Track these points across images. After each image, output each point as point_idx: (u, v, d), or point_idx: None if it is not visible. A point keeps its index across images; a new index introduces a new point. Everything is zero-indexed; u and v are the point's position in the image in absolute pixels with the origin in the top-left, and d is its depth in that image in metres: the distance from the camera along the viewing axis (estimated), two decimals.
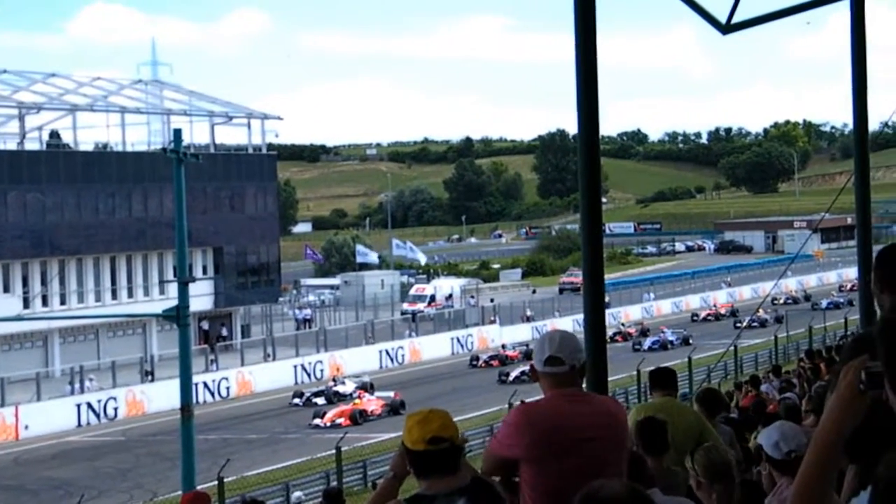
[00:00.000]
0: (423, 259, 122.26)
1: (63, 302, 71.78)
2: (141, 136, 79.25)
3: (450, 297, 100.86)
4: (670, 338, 73.66)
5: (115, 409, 59.31)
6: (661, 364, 13.22)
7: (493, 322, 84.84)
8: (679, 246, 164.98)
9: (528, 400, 6.17)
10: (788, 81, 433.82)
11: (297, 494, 34.78)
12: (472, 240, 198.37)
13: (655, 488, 6.77)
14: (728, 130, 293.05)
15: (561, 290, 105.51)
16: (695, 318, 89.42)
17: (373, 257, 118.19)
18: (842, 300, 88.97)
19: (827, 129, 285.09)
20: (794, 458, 7.07)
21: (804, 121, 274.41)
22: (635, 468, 6.32)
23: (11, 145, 72.69)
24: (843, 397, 3.32)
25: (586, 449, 5.75)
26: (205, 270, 77.39)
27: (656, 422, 8.15)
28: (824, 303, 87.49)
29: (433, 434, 5.36)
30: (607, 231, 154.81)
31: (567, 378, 5.96)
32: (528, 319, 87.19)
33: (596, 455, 5.73)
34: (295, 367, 68.27)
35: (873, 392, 3.20)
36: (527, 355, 69.59)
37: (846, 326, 55.37)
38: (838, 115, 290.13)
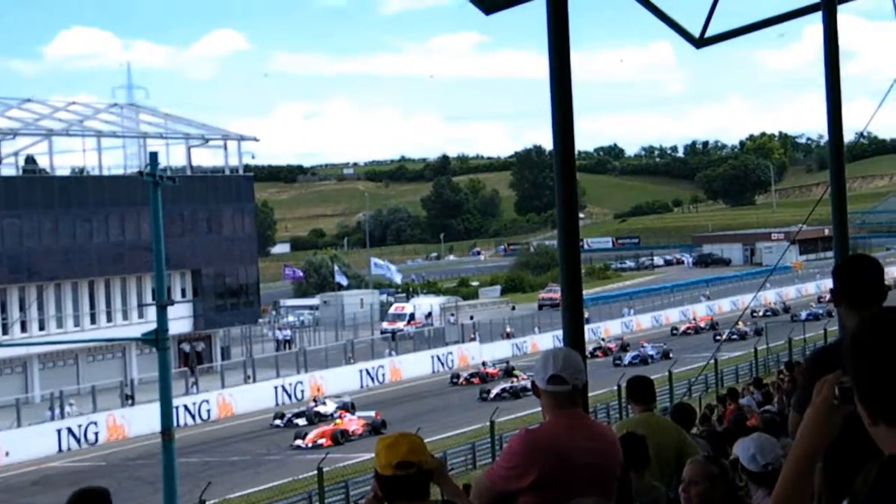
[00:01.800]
0: (397, 278, 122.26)
1: (42, 327, 71.56)
2: (117, 160, 79.21)
3: (429, 315, 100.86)
4: (650, 352, 73.75)
5: (96, 433, 59.07)
6: None
7: (473, 339, 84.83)
8: (657, 260, 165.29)
9: (529, 427, 6.10)
10: (764, 94, 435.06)
11: None
12: (451, 257, 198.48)
13: None
14: (704, 144, 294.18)
15: (540, 307, 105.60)
16: (674, 331, 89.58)
17: (342, 279, 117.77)
18: (821, 311, 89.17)
19: (803, 140, 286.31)
20: (770, 471, 7.08)
21: (780, 133, 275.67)
22: (620, 483, 6.31)
23: None
24: (819, 411, 3.33)
25: (587, 477, 5.71)
26: (183, 293, 77.24)
27: (636, 437, 8.16)
28: (803, 314, 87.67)
29: (400, 459, 5.36)
30: (585, 246, 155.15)
31: (569, 398, 5.93)
32: (509, 336, 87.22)
33: (594, 483, 5.70)
34: (275, 388, 68.14)
35: (848, 407, 3.22)
36: (507, 372, 69.63)
37: (826, 337, 55.47)
38: (814, 127, 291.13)
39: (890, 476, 2.82)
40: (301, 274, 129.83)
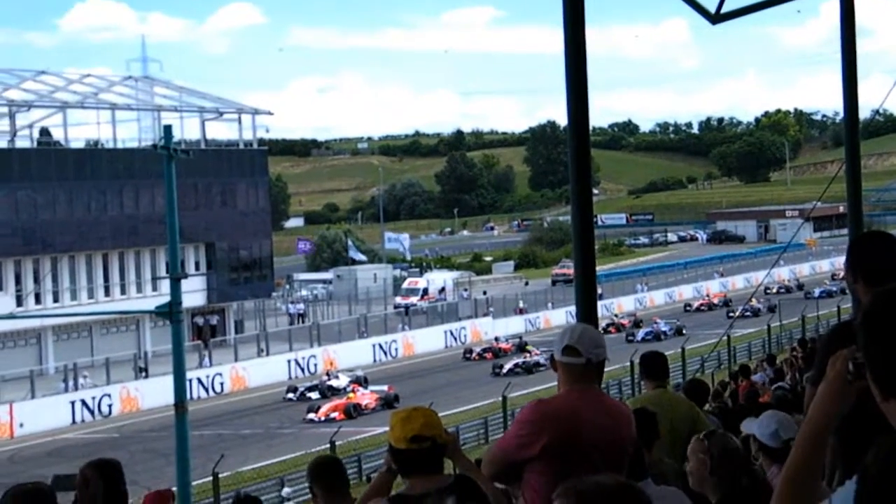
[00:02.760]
0: (407, 251, 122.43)
1: (56, 299, 71.72)
2: (131, 133, 79.18)
3: (442, 290, 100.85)
4: (663, 328, 73.74)
5: (110, 405, 59.28)
6: None
7: (486, 315, 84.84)
8: (671, 236, 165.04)
9: (543, 398, 6.10)
10: (779, 70, 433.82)
11: (286, 490, 34.81)
12: (465, 232, 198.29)
13: (648, 478, 6.78)
14: (719, 120, 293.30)
15: (553, 282, 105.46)
16: (688, 308, 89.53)
17: (361, 257, 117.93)
18: (834, 289, 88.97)
19: (818, 117, 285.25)
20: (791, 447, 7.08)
21: (795, 109, 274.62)
22: (633, 456, 6.31)
23: (2, 143, 72.64)
24: (832, 386, 3.34)
25: (599, 451, 5.70)
26: (197, 266, 77.32)
27: (646, 412, 8.16)
28: (817, 291, 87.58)
29: (415, 433, 5.38)
30: (599, 222, 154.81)
31: (584, 372, 5.90)
32: (521, 312, 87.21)
33: (606, 458, 5.69)
34: (288, 361, 68.24)
35: (861, 382, 3.23)
36: (520, 348, 69.67)
37: (839, 315, 55.29)
38: (829, 104, 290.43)
39: None
40: (311, 247, 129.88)
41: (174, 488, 25.46)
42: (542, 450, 5.67)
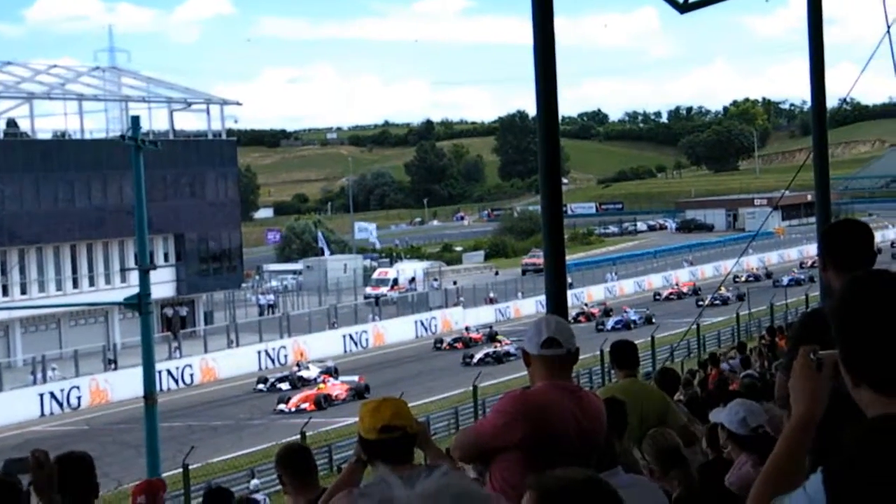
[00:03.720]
0: (375, 240, 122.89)
1: (24, 291, 71.38)
2: (99, 124, 78.96)
3: (413, 280, 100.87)
4: (633, 317, 73.88)
5: (79, 398, 59.05)
6: None
7: (456, 304, 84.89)
8: (641, 225, 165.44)
9: (524, 388, 6.08)
10: (748, 60, 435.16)
11: (254, 482, 34.75)
12: (435, 222, 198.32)
13: (618, 467, 6.77)
14: (688, 109, 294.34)
15: (524, 272, 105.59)
16: (657, 297, 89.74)
17: (323, 244, 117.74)
18: (803, 277, 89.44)
19: (786, 106, 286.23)
20: (759, 434, 7.09)
21: (763, 98, 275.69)
22: (604, 445, 6.30)
23: None
24: (801, 380, 3.36)
25: (572, 445, 5.70)
26: (166, 258, 77.12)
27: (616, 402, 8.16)
28: (785, 279, 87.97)
29: (385, 423, 5.38)
30: (569, 211, 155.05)
31: (562, 363, 5.91)
32: (492, 301, 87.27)
33: (579, 451, 5.69)
34: (259, 352, 68.13)
35: (827, 374, 3.27)
36: (490, 337, 69.72)
37: (807, 303, 55.63)
38: (797, 93, 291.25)
39: (873, 437, 2.83)
40: (280, 237, 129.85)
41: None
42: (518, 441, 5.66)
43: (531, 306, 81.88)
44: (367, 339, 74.83)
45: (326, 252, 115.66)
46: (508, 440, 5.71)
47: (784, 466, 3.34)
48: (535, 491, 3.12)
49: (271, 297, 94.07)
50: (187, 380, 63.72)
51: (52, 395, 58.29)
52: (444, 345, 70.99)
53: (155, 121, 77.93)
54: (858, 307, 2.94)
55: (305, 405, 52.52)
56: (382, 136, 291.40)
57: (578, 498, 3.06)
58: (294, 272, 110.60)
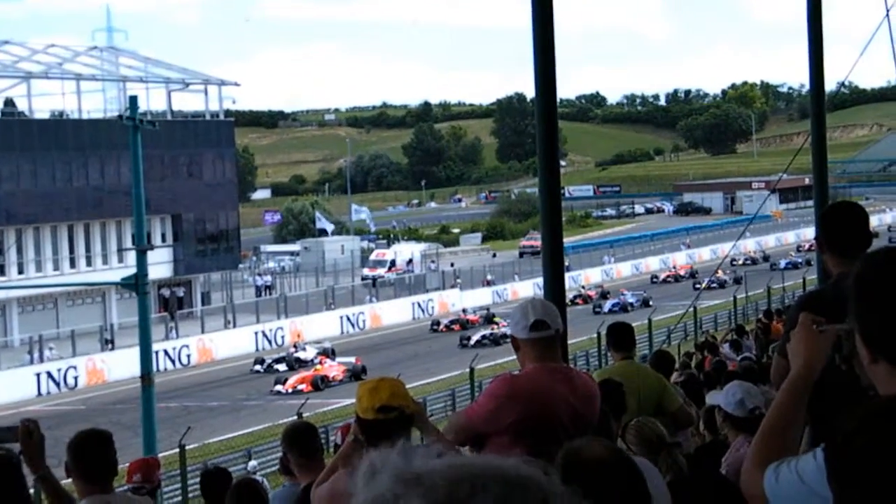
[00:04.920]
0: (371, 223, 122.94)
1: (21, 271, 71.37)
2: (97, 104, 78.81)
3: (410, 262, 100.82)
4: (630, 300, 73.88)
5: (76, 378, 59.06)
6: None
7: (453, 286, 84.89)
8: (638, 208, 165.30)
9: (512, 371, 6.09)
10: (746, 43, 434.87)
11: (252, 463, 34.78)
12: (432, 204, 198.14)
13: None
14: (686, 92, 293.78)
15: (521, 254, 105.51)
16: (654, 279, 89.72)
17: (327, 225, 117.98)
18: (800, 260, 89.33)
19: (784, 89, 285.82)
20: (757, 416, 7.10)
21: (762, 82, 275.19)
22: (601, 424, 6.32)
23: None
24: (803, 336, 3.39)
25: (565, 427, 5.71)
26: (163, 238, 77.04)
27: (613, 384, 8.17)
28: (783, 263, 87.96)
29: (382, 403, 5.37)
30: (566, 194, 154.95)
31: (551, 344, 5.91)
32: (489, 283, 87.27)
33: (572, 433, 5.69)
34: (255, 333, 68.13)
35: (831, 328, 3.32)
36: (487, 319, 69.73)
37: (804, 286, 55.63)
38: (795, 76, 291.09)
39: (880, 418, 2.84)
40: (279, 216, 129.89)
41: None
42: (510, 425, 5.68)
43: (528, 289, 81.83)
44: (364, 321, 74.84)
45: (330, 231, 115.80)
46: (500, 424, 5.72)
47: (780, 422, 3.37)
48: (559, 464, 3.15)
49: (268, 278, 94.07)
50: (184, 360, 63.72)
51: (49, 374, 58.29)
52: (441, 327, 70.99)
53: (152, 101, 77.98)
54: (880, 280, 2.97)
55: (302, 386, 52.53)
56: (380, 118, 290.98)
57: (602, 469, 3.08)
58: (291, 253, 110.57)
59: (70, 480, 6.97)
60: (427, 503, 1.76)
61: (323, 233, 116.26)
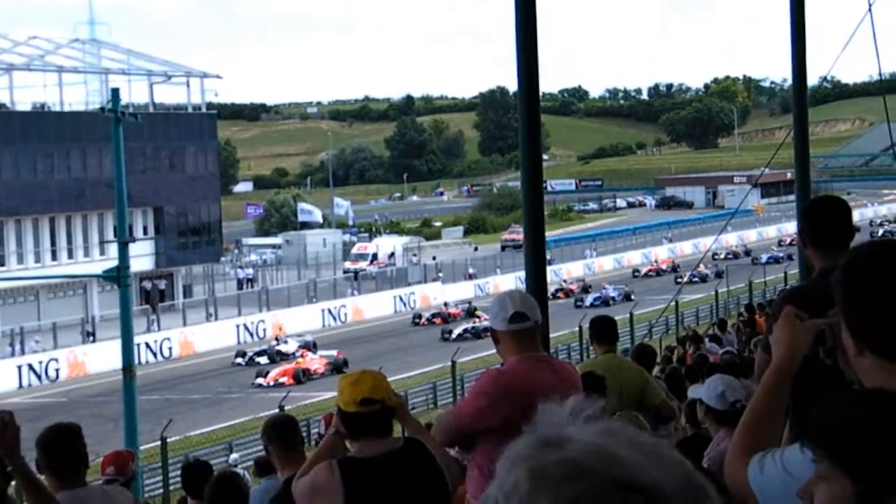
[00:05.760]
0: (350, 219, 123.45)
1: (2, 263, 71.21)
2: (79, 96, 78.50)
3: (392, 255, 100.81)
4: (612, 294, 73.91)
5: (57, 370, 58.96)
6: None
7: (435, 280, 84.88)
8: (620, 202, 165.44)
9: (496, 367, 6.09)
10: (729, 37, 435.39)
11: (234, 456, 34.77)
12: (414, 198, 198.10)
13: None
14: (668, 86, 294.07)
15: (503, 248, 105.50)
16: (636, 273, 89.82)
17: (317, 216, 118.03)
18: (781, 254, 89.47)
19: (766, 84, 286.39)
20: (738, 409, 7.11)
21: (744, 76, 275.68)
22: None
23: None
24: (786, 326, 3.40)
25: None
26: (145, 231, 76.93)
27: (596, 377, 8.19)
28: (764, 257, 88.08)
29: (364, 395, 5.38)
30: (549, 188, 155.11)
31: (531, 335, 5.92)
32: (471, 277, 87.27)
33: None
34: (237, 326, 68.06)
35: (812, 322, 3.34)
36: (469, 313, 69.71)
37: (786, 280, 55.71)
38: (777, 71, 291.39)
39: (863, 410, 2.85)
40: (262, 209, 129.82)
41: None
42: (501, 421, 5.67)
43: (510, 282, 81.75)
44: (345, 314, 74.81)
45: (319, 218, 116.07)
46: (491, 421, 5.72)
47: (762, 412, 3.38)
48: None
49: (250, 270, 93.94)
50: (166, 353, 63.63)
51: (31, 367, 58.20)
52: (423, 320, 71.01)
53: (135, 93, 77.69)
54: (869, 272, 2.98)
55: (284, 379, 52.49)
56: (363, 111, 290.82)
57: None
58: (273, 246, 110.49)
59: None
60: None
61: (305, 226, 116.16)
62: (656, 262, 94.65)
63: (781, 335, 3.46)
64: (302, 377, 52.86)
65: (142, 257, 70.22)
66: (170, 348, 64.10)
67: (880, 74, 28.56)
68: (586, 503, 1.52)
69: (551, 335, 13.37)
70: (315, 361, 55.47)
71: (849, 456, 2.51)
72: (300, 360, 55.65)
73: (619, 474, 1.53)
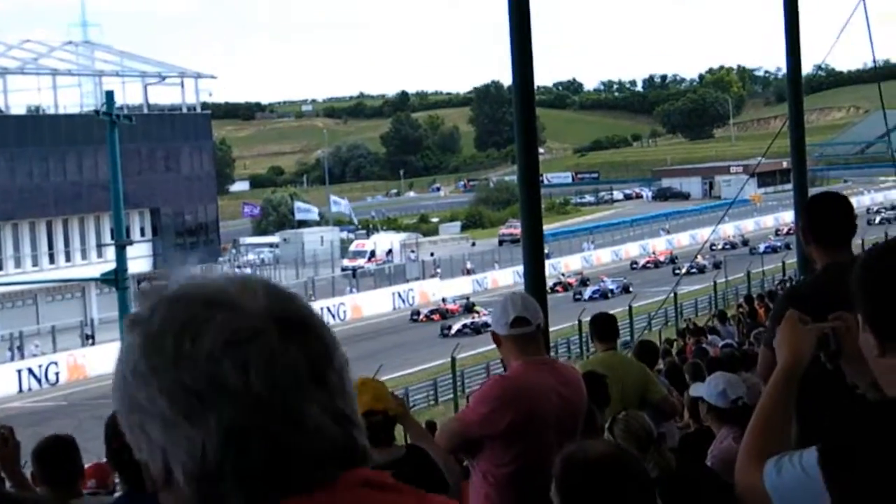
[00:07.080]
0: (353, 217, 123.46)
1: (0, 267, 71.21)
2: (73, 99, 78.53)
3: (390, 252, 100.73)
4: (610, 286, 73.90)
5: (57, 373, 58.95)
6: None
7: (433, 276, 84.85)
8: (617, 194, 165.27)
9: (500, 373, 6.05)
10: (722, 27, 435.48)
11: None
12: (411, 194, 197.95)
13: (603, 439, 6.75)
14: (663, 78, 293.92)
15: (500, 242, 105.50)
16: (634, 266, 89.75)
17: (314, 214, 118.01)
18: (779, 244, 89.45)
19: (761, 73, 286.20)
20: (740, 406, 7.06)
21: (738, 66, 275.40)
22: (587, 419, 6.28)
23: None
24: (791, 329, 3.37)
25: (557, 422, 5.69)
26: (142, 232, 76.92)
27: (597, 376, 8.13)
28: (762, 247, 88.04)
29: (366, 407, 5.32)
30: (545, 181, 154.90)
31: (533, 339, 5.88)
32: (469, 272, 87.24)
33: (564, 427, 5.67)
34: None
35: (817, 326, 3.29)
36: (467, 308, 69.71)
37: (784, 270, 55.70)
38: (772, 60, 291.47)
39: (880, 422, 2.79)
40: (258, 209, 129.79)
41: None
42: (505, 427, 5.64)
43: (508, 277, 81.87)
44: (344, 312, 74.78)
45: (312, 216, 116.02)
46: (496, 428, 5.68)
47: (772, 416, 3.33)
48: (561, 465, 3.11)
49: (248, 270, 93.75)
50: None
51: (31, 371, 58.17)
52: (422, 316, 71.02)
53: (129, 95, 77.69)
54: (892, 268, 2.92)
55: None
56: (357, 108, 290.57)
57: (604, 470, 3.04)
58: (271, 245, 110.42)
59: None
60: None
61: (303, 224, 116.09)
62: (654, 253, 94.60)
63: (785, 339, 3.41)
64: None
65: (139, 259, 70.19)
66: None
67: (874, 62, 28.59)
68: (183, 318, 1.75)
69: (550, 329, 13.33)
70: None
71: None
72: None
73: (210, 295, 1.79)
